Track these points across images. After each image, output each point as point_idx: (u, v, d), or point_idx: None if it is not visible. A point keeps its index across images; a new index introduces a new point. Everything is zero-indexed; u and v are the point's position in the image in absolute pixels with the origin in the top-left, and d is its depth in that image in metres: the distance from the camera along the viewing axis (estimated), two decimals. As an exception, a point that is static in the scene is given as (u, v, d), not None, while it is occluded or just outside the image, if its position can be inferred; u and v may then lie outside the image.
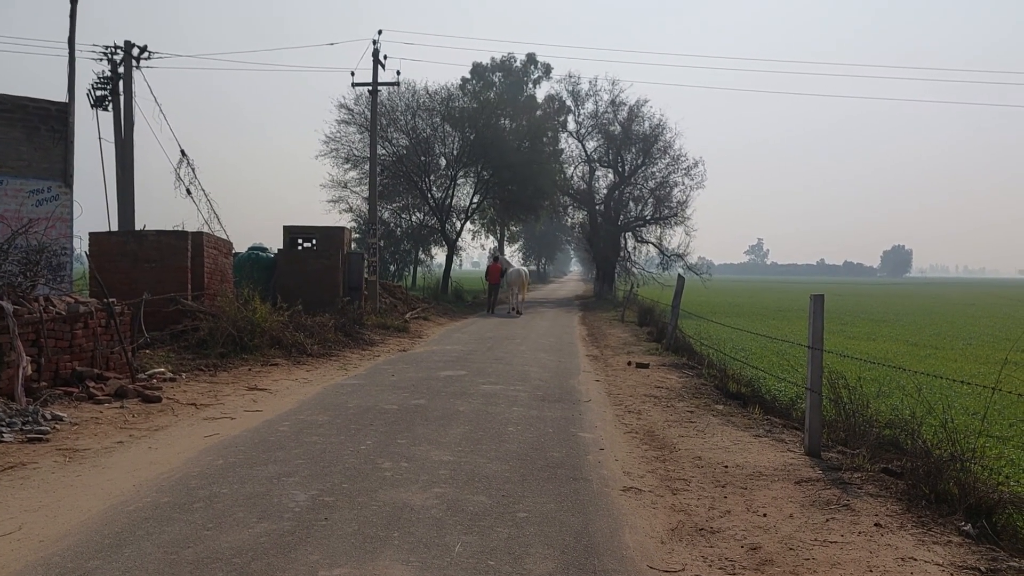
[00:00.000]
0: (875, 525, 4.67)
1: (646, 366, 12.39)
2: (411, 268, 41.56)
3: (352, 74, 22.82)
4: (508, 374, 11.34)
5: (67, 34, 12.24)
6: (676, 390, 10.21)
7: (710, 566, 4.18)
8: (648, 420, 8.23)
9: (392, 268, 39.63)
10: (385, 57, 22.78)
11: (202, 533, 4.39)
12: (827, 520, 4.83)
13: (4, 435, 6.48)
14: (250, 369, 11.16)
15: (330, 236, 19.43)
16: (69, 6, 12.28)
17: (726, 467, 6.23)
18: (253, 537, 4.33)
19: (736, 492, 5.53)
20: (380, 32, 22.27)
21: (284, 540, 4.30)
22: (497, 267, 28.27)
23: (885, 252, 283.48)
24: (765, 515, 4.98)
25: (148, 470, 5.76)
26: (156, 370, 10.00)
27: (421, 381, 10.47)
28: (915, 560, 4.12)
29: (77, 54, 13.28)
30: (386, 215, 38.18)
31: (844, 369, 9.55)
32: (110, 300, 9.48)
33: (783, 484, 5.68)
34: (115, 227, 18.52)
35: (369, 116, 25.13)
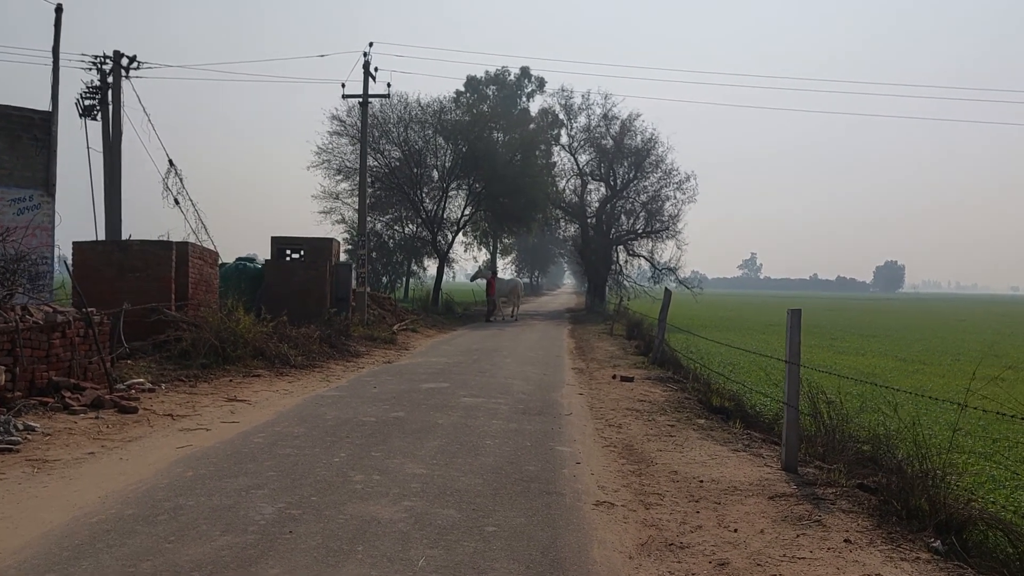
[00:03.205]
0: (845, 541, 4.63)
1: (631, 380, 12.35)
2: (404, 280, 41.49)
3: (343, 86, 22.87)
4: (491, 387, 11.29)
5: (53, 44, 12.26)
6: (659, 404, 10.17)
7: (676, 582, 4.14)
8: (628, 434, 8.18)
9: (385, 280, 39.58)
10: (376, 69, 22.85)
11: (163, 546, 4.33)
12: (797, 536, 4.79)
13: (-27, 445, 6.41)
14: (231, 380, 11.08)
15: (318, 247, 19.39)
16: (54, 15, 12.29)
17: (701, 482, 6.19)
18: (214, 550, 4.27)
19: (709, 507, 5.49)
20: (371, 44, 22.32)
21: (246, 554, 4.24)
22: (491, 280, 31.51)
23: (878, 267, 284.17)
24: (736, 530, 4.94)
25: (116, 481, 5.69)
26: (135, 380, 9.92)
27: (402, 393, 10.41)
28: (881, 577, 4.08)
29: (66, 63, 13.25)
30: (379, 227, 38.17)
31: (827, 385, 9.55)
32: (88, 310, 9.41)
33: (757, 499, 5.64)
34: (102, 236, 18.45)
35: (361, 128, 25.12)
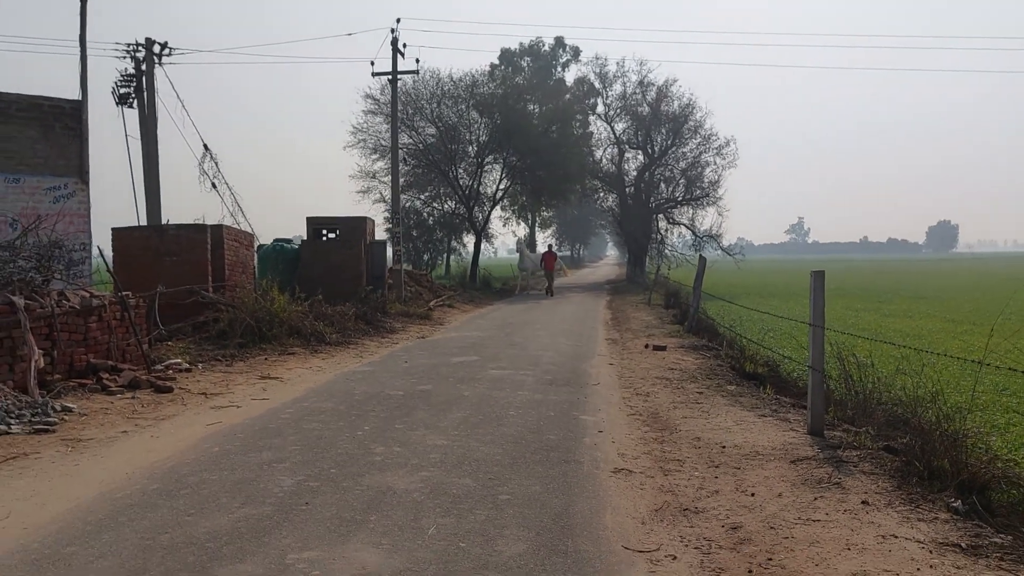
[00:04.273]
0: (862, 503, 4.55)
1: (663, 348, 12.26)
2: (444, 257, 41.66)
3: (372, 64, 22.88)
4: (520, 359, 11.30)
5: (79, 32, 12.51)
6: (690, 372, 10.08)
7: (686, 545, 4.12)
8: (654, 402, 8.13)
9: (426, 257, 39.77)
10: (404, 46, 22.82)
11: (182, 519, 4.44)
12: (815, 499, 4.72)
13: (12, 427, 6.64)
14: (267, 359, 11.28)
15: (353, 226, 19.55)
16: (79, 5, 12.52)
17: (723, 447, 6.12)
18: (231, 522, 4.37)
19: (728, 472, 5.44)
20: (398, 21, 22.29)
21: (261, 525, 4.33)
22: (552, 256, 30.66)
23: (930, 228, 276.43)
24: (753, 495, 4.89)
25: (144, 458, 5.85)
26: (172, 361, 10.15)
27: (432, 367, 10.49)
28: (896, 537, 4.00)
29: (100, 52, 13.50)
30: (418, 204, 38.32)
31: (862, 349, 9.36)
32: (124, 293, 9.64)
33: (778, 463, 5.57)
34: (143, 222, 18.88)
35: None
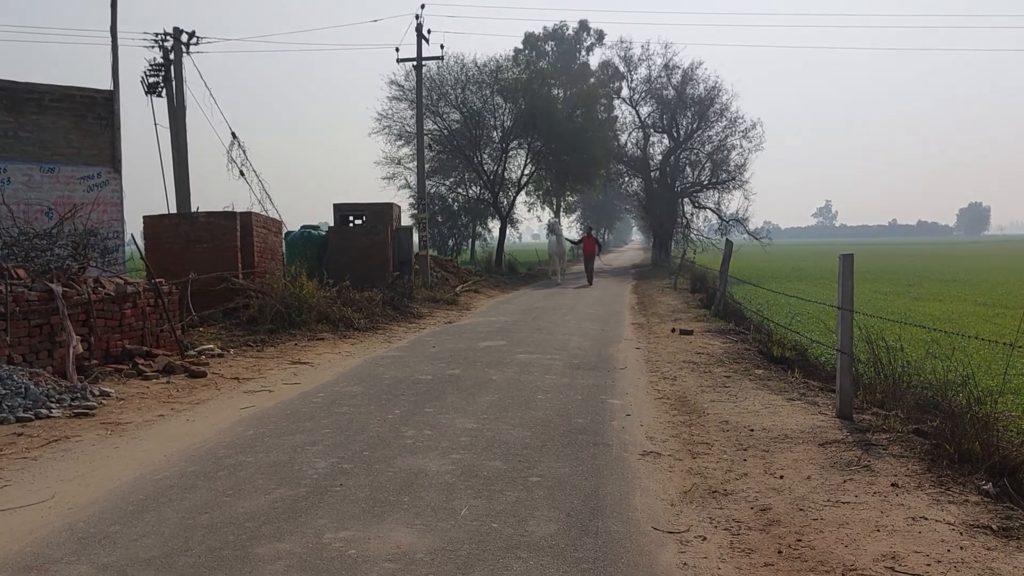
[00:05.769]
0: (892, 485, 4.56)
1: (690, 333, 12.24)
2: (469, 242, 41.77)
3: (397, 50, 22.95)
4: (547, 344, 11.36)
5: (111, 24, 12.71)
6: (717, 356, 10.08)
7: (716, 527, 4.15)
8: (682, 386, 8.15)
9: (451, 243, 39.88)
10: (429, 32, 22.86)
11: (221, 499, 4.55)
12: (844, 481, 4.73)
13: (53, 410, 6.82)
14: (296, 344, 11.43)
15: (379, 212, 19.66)
16: (109, -4, 12.71)
17: (752, 430, 6.14)
18: (269, 503, 4.48)
19: (757, 455, 5.46)
20: (423, 7, 22.31)
21: (297, 505, 4.43)
22: (591, 240, 28.00)
23: (961, 210, 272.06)
24: (782, 477, 4.91)
25: (181, 441, 5.99)
26: (205, 347, 10.34)
27: (460, 351, 10.58)
28: (926, 519, 4.01)
29: (129, 42, 13.92)
30: (443, 190, 38.41)
31: (891, 333, 9.29)
32: (157, 280, 9.82)
33: (806, 446, 5.58)
34: (173, 209, 19.14)
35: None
